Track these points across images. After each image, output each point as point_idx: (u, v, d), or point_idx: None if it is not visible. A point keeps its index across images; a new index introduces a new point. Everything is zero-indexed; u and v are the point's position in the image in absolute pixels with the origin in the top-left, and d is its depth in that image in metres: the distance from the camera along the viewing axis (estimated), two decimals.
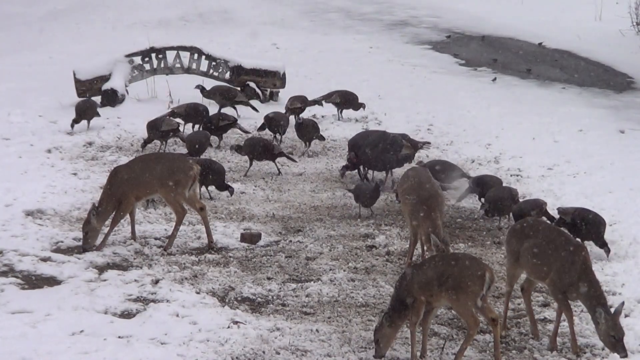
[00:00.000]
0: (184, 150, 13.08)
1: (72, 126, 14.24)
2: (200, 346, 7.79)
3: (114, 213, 9.97)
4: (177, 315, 8.31)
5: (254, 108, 15.32)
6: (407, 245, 9.94)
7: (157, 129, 13.34)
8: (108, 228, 10.00)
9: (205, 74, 16.85)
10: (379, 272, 9.58)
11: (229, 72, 16.79)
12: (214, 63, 16.82)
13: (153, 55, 16.75)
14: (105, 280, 9.10)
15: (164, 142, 13.54)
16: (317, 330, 8.17)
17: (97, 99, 15.71)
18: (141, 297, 8.80)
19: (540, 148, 13.97)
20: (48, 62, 19.52)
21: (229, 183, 11.79)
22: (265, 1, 27.89)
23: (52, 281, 9.10)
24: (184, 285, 9.02)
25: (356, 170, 12.63)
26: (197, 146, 12.89)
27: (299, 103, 15.13)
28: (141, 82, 16.71)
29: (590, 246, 9.89)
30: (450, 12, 26.21)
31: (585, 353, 7.99)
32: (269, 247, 10.25)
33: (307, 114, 15.15)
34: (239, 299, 8.88)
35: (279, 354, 7.75)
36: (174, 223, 10.12)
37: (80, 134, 14.14)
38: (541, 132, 14.81)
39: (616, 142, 14.47)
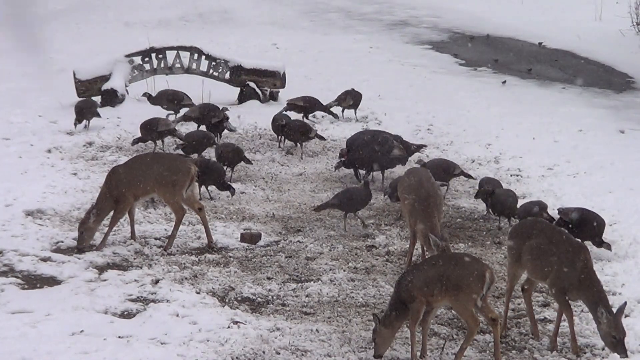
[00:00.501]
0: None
1: (75, 125, 14.24)
2: (200, 346, 7.79)
3: (112, 213, 9.97)
4: (177, 315, 8.32)
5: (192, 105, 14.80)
6: (407, 245, 9.94)
7: (154, 129, 13.33)
8: (107, 228, 10.00)
9: (205, 74, 16.84)
10: (379, 272, 9.59)
11: (229, 72, 16.79)
12: (214, 63, 16.82)
13: (153, 55, 16.74)
14: (105, 280, 9.11)
15: (161, 142, 13.52)
16: (317, 330, 8.17)
17: (97, 99, 15.71)
18: (141, 297, 8.81)
19: (540, 148, 13.97)
20: (48, 62, 19.51)
21: (229, 183, 11.78)
22: (265, 1, 27.88)
23: (52, 281, 9.10)
24: (184, 285, 9.02)
25: (352, 170, 12.63)
26: (195, 145, 12.88)
27: (301, 102, 15.16)
28: (141, 82, 16.70)
29: (591, 246, 9.89)
30: (450, 12, 26.19)
31: (585, 353, 7.99)
32: (269, 247, 10.25)
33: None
34: (239, 299, 8.89)
35: (279, 354, 7.76)
36: (174, 223, 10.12)
37: (80, 134, 14.14)
38: (541, 132, 14.81)
39: (616, 142, 14.46)
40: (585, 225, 10.00)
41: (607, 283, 9.08)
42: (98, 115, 14.54)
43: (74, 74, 16.14)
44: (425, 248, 9.55)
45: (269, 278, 9.36)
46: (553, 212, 10.66)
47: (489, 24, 24.36)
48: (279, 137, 13.97)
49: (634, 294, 8.90)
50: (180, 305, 8.51)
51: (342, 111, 15.66)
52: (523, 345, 8.16)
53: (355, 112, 15.54)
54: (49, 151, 13.35)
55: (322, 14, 26.42)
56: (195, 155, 12.73)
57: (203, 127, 14.02)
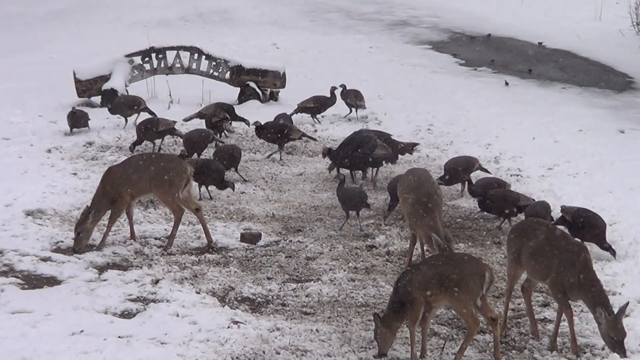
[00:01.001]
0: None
1: (71, 130, 14.17)
2: (200, 346, 7.79)
3: (110, 213, 9.96)
4: (177, 315, 8.31)
5: (152, 114, 14.46)
6: (407, 245, 9.94)
7: (154, 129, 13.32)
8: (105, 228, 10.00)
9: (205, 74, 16.86)
10: (379, 272, 9.59)
11: (229, 72, 16.80)
12: (214, 63, 16.83)
13: (153, 55, 16.75)
14: (105, 280, 9.11)
15: (158, 142, 13.52)
16: (317, 330, 8.17)
17: (97, 99, 15.71)
18: (141, 297, 8.81)
19: (540, 148, 13.97)
20: (48, 62, 19.53)
21: (228, 180, 11.76)
22: (265, 1, 27.90)
23: (52, 281, 9.10)
24: (184, 285, 9.02)
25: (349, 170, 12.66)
26: (195, 145, 12.89)
27: (311, 103, 15.19)
28: (141, 82, 16.71)
29: (591, 246, 9.89)
30: (450, 12, 26.21)
31: (585, 353, 7.99)
32: (269, 247, 10.25)
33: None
34: (239, 299, 8.88)
35: (279, 354, 7.75)
36: (173, 223, 10.12)
37: (80, 134, 14.13)
38: (541, 132, 14.82)
39: (616, 142, 14.47)
40: (590, 229, 9.99)
41: (607, 283, 9.07)
42: (87, 126, 14.31)
43: (74, 74, 16.14)
44: (426, 247, 9.54)
45: (269, 278, 9.36)
46: (554, 212, 10.67)
47: (489, 23, 24.38)
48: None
49: (634, 294, 8.90)
50: (180, 305, 8.51)
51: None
52: (523, 345, 8.16)
53: (314, 117, 15.46)
54: (49, 151, 13.35)
55: (322, 14, 26.44)
56: (194, 156, 12.73)
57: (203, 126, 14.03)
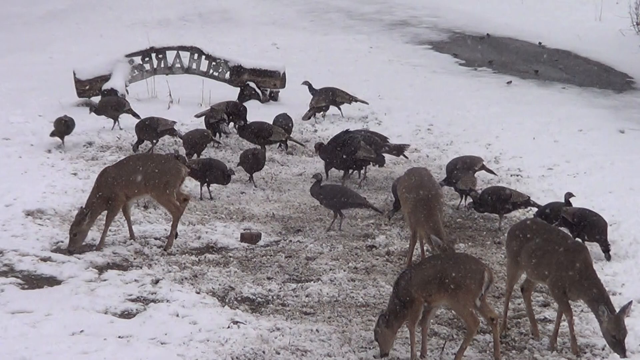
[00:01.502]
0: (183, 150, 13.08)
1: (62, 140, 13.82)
2: (200, 346, 7.80)
3: (106, 214, 9.95)
4: (177, 315, 8.32)
5: (136, 115, 14.28)
6: (407, 245, 9.94)
7: (154, 129, 13.32)
8: (103, 228, 9.99)
9: (205, 74, 16.85)
10: (379, 272, 9.58)
11: (229, 72, 16.80)
12: (214, 63, 16.82)
13: (153, 55, 16.74)
14: (105, 280, 9.11)
15: (155, 142, 13.52)
16: (317, 330, 8.17)
17: (97, 99, 15.70)
18: (141, 297, 8.81)
19: (540, 148, 13.97)
20: (48, 62, 19.52)
21: (228, 172, 11.73)
22: (265, 1, 27.90)
23: (52, 281, 9.10)
24: (184, 285, 9.02)
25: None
26: (195, 145, 12.89)
27: (324, 102, 15.22)
28: (141, 82, 16.71)
29: (591, 246, 9.89)
30: (450, 12, 26.21)
31: (585, 353, 7.99)
32: (269, 247, 10.25)
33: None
34: (239, 299, 8.89)
35: (279, 354, 7.76)
36: (171, 223, 10.12)
37: (80, 134, 14.11)
38: (541, 132, 14.81)
39: (616, 142, 14.47)
40: (591, 228, 9.98)
41: (607, 283, 9.06)
42: (68, 133, 13.73)
43: (74, 74, 16.13)
44: (427, 247, 9.54)
45: (269, 278, 9.36)
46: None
47: (489, 24, 24.38)
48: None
49: (634, 294, 8.89)
50: (180, 305, 8.51)
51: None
52: (523, 345, 8.16)
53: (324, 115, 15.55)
54: (49, 151, 13.35)
55: (322, 14, 26.44)
56: (194, 156, 12.74)
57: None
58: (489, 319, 7.63)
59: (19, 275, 9.20)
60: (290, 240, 10.42)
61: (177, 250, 10.00)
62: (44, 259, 9.54)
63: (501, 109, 16.27)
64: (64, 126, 13.45)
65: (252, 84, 16.65)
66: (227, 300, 8.81)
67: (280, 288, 9.11)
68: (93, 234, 10.02)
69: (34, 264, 9.42)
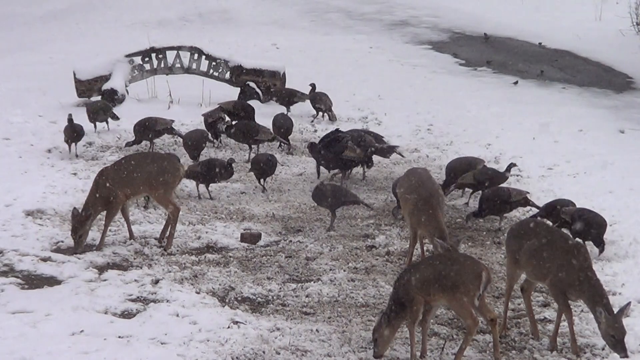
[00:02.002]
0: (183, 150, 13.08)
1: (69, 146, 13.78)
2: (200, 346, 7.80)
3: (105, 213, 9.95)
4: (177, 315, 8.32)
5: (116, 117, 14.35)
6: (407, 245, 9.94)
7: (152, 128, 13.32)
8: (103, 229, 9.99)
9: (205, 74, 16.85)
10: (379, 272, 9.58)
11: (229, 72, 16.80)
12: (214, 63, 16.82)
13: (153, 55, 16.75)
14: (105, 280, 9.11)
15: (152, 142, 13.52)
16: (317, 330, 8.17)
17: (97, 99, 15.70)
18: (141, 297, 8.81)
19: (540, 148, 13.97)
20: (48, 62, 19.52)
21: (229, 165, 11.73)
22: (265, 1, 27.89)
23: (52, 281, 9.10)
24: (184, 285, 9.02)
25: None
26: (194, 144, 12.88)
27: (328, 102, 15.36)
28: (141, 82, 16.71)
29: (591, 246, 9.90)
30: (450, 12, 26.21)
31: (585, 353, 7.99)
32: (269, 247, 10.25)
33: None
34: (239, 299, 8.89)
35: (279, 354, 7.76)
36: (171, 222, 10.11)
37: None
38: (541, 132, 14.81)
39: (616, 142, 14.47)
40: (589, 226, 9.99)
41: (607, 283, 9.07)
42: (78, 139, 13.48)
43: (74, 74, 16.14)
44: (428, 247, 9.53)
45: (269, 278, 9.36)
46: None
47: (489, 23, 24.37)
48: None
49: (634, 294, 8.90)
50: (180, 305, 8.51)
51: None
52: (523, 345, 8.16)
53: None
54: (49, 151, 13.35)
55: (322, 14, 26.43)
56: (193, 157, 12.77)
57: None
58: (488, 319, 7.63)
59: (19, 275, 9.20)
60: (290, 241, 10.42)
61: (177, 250, 10.00)
62: (44, 259, 9.54)
63: (501, 109, 16.28)
64: (73, 133, 13.16)
65: (252, 84, 16.65)
66: (227, 300, 8.81)
67: (280, 288, 9.11)
68: (93, 234, 10.03)
69: (34, 264, 9.42)
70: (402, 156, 13.17)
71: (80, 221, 9.70)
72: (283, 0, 27.95)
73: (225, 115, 14.17)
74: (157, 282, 9.08)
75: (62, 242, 10.01)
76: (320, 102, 15.42)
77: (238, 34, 22.92)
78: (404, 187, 9.75)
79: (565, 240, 8.05)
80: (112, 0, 27.40)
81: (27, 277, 9.18)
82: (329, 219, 10.97)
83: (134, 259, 9.75)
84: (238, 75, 16.72)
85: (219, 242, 10.26)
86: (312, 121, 15.39)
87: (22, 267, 9.35)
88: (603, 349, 7.93)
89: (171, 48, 16.90)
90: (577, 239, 9.53)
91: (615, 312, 7.60)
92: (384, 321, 7.53)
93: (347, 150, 12.27)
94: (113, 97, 15.79)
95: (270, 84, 16.73)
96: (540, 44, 22.22)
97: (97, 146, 13.75)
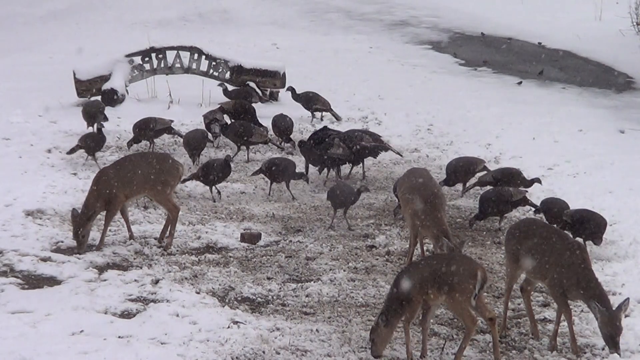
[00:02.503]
0: (183, 150, 13.08)
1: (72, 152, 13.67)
2: (200, 346, 7.79)
3: (105, 213, 9.95)
4: (177, 315, 8.32)
5: (106, 118, 14.14)
6: (407, 245, 9.94)
7: (152, 128, 13.33)
8: (103, 228, 9.99)
9: (205, 74, 16.85)
10: (379, 272, 9.58)
11: (229, 72, 16.80)
12: (214, 63, 16.82)
13: (153, 55, 16.75)
14: (105, 280, 9.11)
15: (153, 142, 13.52)
16: (317, 330, 8.17)
17: (97, 98, 15.69)
18: (141, 297, 8.81)
19: (540, 148, 13.97)
20: (48, 62, 19.52)
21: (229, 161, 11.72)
22: (265, 1, 27.89)
23: (52, 281, 9.10)
24: (184, 285, 9.02)
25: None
26: (194, 144, 12.88)
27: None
28: (141, 82, 16.71)
29: (590, 246, 9.90)
30: (450, 12, 26.20)
31: (585, 353, 7.99)
32: (269, 247, 10.25)
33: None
34: (239, 299, 8.89)
35: (279, 354, 7.76)
36: (171, 222, 10.11)
37: (79, 134, 14.10)
38: (541, 132, 14.81)
39: (616, 142, 14.47)
40: (588, 224, 9.99)
41: (607, 283, 9.08)
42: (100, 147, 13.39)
43: (74, 74, 16.14)
44: (428, 247, 9.53)
45: (269, 278, 9.36)
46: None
47: (489, 23, 24.37)
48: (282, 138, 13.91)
49: (634, 294, 8.89)
50: (180, 305, 8.51)
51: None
52: (523, 345, 8.16)
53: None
54: (49, 151, 13.35)
55: (322, 14, 26.43)
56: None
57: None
58: (487, 319, 7.63)
59: (19, 275, 9.20)
60: (290, 240, 10.42)
61: (177, 250, 10.00)
62: (44, 259, 9.54)
63: (501, 109, 16.28)
64: (92, 142, 12.94)
65: (252, 84, 16.65)
66: (227, 300, 8.81)
67: (280, 288, 9.11)
68: (93, 234, 10.02)
69: (34, 264, 9.42)
70: (401, 155, 13.16)
71: (81, 222, 9.70)
72: (283, 0, 27.94)
73: (221, 116, 14.17)
74: (157, 282, 9.08)
75: (62, 242, 10.01)
76: (318, 102, 15.40)
77: (238, 34, 22.92)
78: (405, 187, 9.74)
79: (564, 240, 8.05)
80: (112, 0, 27.40)
81: (27, 277, 9.18)
82: (329, 219, 10.97)
83: (134, 259, 9.74)
84: (238, 75, 16.71)
85: (218, 242, 10.26)
86: (312, 121, 15.39)
87: (22, 267, 9.35)
88: (603, 349, 7.92)
89: (171, 48, 16.90)
90: (577, 238, 9.53)
91: (612, 309, 7.61)
92: (381, 321, 7.53)
93: (332, 148, 12.27)
94: (113, 97, 15.78)
95: (270, 84, 16.73)
96: (540, 44, 22.21)
97: None
